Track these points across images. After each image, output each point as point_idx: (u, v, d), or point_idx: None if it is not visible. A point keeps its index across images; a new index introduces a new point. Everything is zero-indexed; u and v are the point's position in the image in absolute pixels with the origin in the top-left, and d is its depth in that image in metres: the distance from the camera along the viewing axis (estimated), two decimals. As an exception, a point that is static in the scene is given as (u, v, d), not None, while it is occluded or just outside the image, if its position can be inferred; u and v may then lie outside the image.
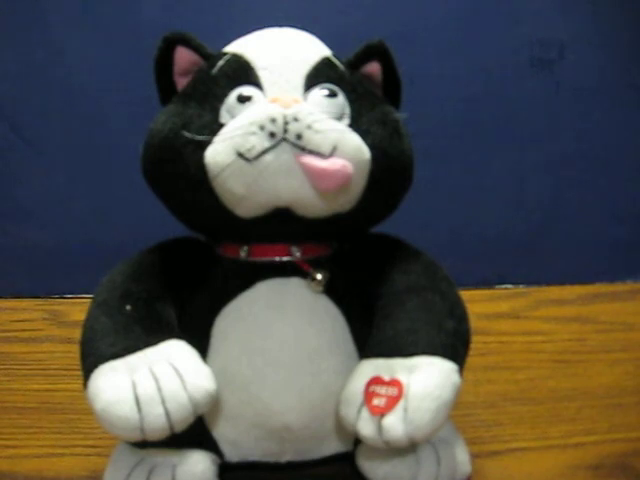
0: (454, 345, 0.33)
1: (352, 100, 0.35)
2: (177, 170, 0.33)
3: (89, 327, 0.34)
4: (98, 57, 0.65)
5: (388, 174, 0.35)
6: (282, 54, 0.36)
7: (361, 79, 0.37)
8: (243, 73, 0.35)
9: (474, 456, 0.39)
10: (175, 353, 0.33)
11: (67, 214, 0.68)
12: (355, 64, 0.37)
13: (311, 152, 0.32)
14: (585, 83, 0.70)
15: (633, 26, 0.70)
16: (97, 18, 0.65)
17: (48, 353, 0.56)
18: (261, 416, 0.35)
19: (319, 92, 0.35)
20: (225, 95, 0.34)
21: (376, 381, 0.32)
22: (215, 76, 0.35)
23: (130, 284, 0.35)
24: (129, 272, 0.36)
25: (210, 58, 0.37)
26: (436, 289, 0.36)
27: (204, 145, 0.32)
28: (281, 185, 0.32)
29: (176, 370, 0.31)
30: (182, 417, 0.31)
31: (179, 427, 0.31)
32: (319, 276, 0.36)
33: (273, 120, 0.31)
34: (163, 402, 0.30)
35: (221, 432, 0.36)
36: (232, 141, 0.32)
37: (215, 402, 0.34)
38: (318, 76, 0.35)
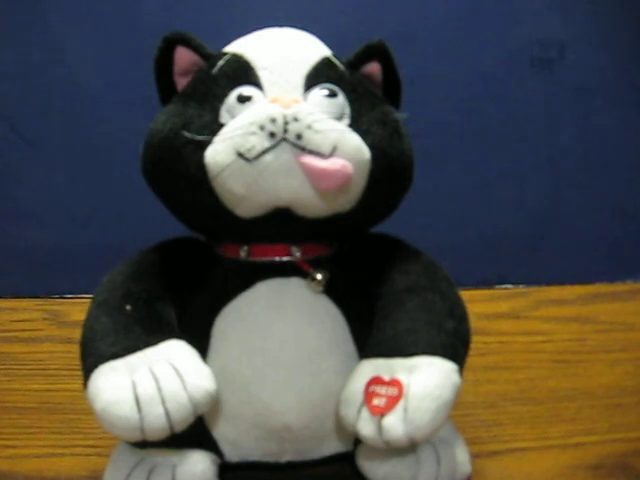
0: (454, 345, 0.33)
1: (352, 100, 0.35)
2: (177, 170, 0.33)
3: (89, 327, 0.34)
4: (98, 57, 0.65)
5: (388, 174, 0.35)
6: (282, 54, 0.36)
7: (361, 79, 0.37)
8: (243, 73, 0.35)
9: (474, 456, 0.39)
10: (175, 353, 0.33)
11: (67, 214, 0.68)
12: (355, 64, 0.37)
13: (311, 152, 0.32)
14: (585, 83, 0.70)
15: (633, 26, 0.70)
16: (97, 18, 0.65)
17: (48, 353, 0.56)
18: (261, 416, 0.35)
19: (319, 92, 0.35)
20: (225, 95, 0.34)
21: (376, 381, 0.32)
22: (215, 76, 0.35)
23: (130, 284, 0.35)
24: (129, 272, 0.36)
25: (210, 58, 0.37)
26: (436, 289, 0.36)
27: (204, 145, 0.32)
28: (281, 185, 0.32)
29: (176, 370, 0.31)
30: (182, 417, 0.31)
31: (179, 427, 0.31)
32: (319, 276, 0.36)
33: (273, 120, 0.31)
34: (163, 402, 0.30)
35: (221, 432, 0.36)
36: (232, 141, 0.32)
37: (215, 402, 0.34)
38: (318, 76, 0.35)
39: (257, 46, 0.37)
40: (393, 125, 0.36)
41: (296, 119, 0.31)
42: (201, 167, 0.32)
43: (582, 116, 0.71)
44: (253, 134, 0.31)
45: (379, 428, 0.31)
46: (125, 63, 0.64)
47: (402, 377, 0.32)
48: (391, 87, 0.39)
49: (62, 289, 0.66)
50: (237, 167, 0.31)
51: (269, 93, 0.34)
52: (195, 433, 0.34)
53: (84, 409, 0.33)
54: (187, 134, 0.33)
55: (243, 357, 0.35)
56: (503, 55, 0.69)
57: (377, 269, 0.38)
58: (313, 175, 0.32)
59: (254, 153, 0.31)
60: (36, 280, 0.67)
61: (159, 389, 0.30)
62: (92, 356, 0.32)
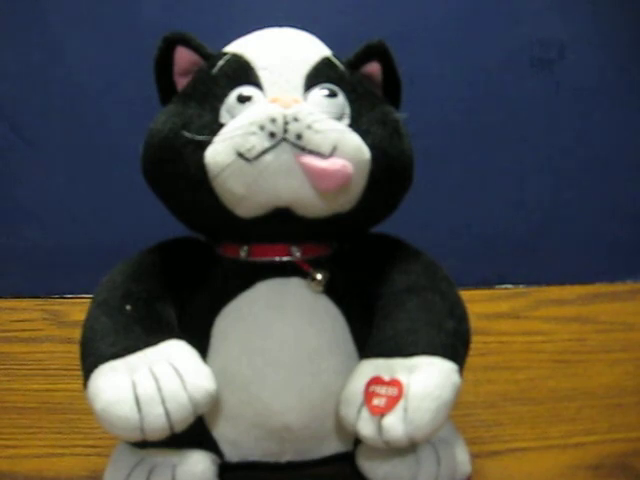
0: (454, 345, 0.33)
1: (352, 100, 0.35)
2: (177, 170, 0.33)
3: (89, 327, 0.34)
4: (98, 57, 0.65)
5: (388, 174, 0.35)
6: (282, 54, 0.36)
7: (361, 79, 0.37)
8: (243, 73, 0.35)
9: (474, 456, 0.39)
10: (175, 353, 0.33)
11: (67, 214, 0.68)
12: (355, 64, 0.37)
13: (311, 152, 0.32)
14: (585, 83, 0.70)
15: (633, 26, 0.70)
16: (97, 18, 0.65)
17: (48, 353, 0.56)
18: (261, 416, 0.35)
19: (319, 92, 0.35)
20: (225, 95, 0.34)
21: (376, 381, 0.32)
22: (215, 76, 0.35)
23: (130, 284, 0.35)
24: (129, 272, 0.36)
25: (210, 58, 0.37)
26: (436, 289, 0.36)
27: (204, 145, 0.32)
28: (281, 185, 0.32)
29: (176, 370, 0.31)
30: (182, 417, 0.31)
31: (179, 427, 0.31)
32: (319, 276, 0.36)
33: (273, 120, 0.31)
34: (163, 402, 0.30)
35: (221, 432, 0.36)
36: (232, 141, 0.32)
37: (215, 402, 0.34)
38: (318, 76, 0.35)
39: (257, 46, 0.37)
40: (393, 125, 0.36)
41: (296, 119, 0.31)
42: (201, 167, 0.32)
43: (582, 116, 0.71)
44: (253, 134, 0.31)
45: (379, 428, 0.31)
46: (125, 63, 0.64)
47: (402, 377, 0.32)
48: (391, 87, 0.39)
49: (62, 289, 0.66)
50: (237, 167, 0.31)
51: (269, 93, 0.34)
52: (195, 433, 0.34)
53: (84, 409, 0.33)
54: (187, 134, 0.33)
55: (243, 357, 0.35)
56: (503, 55, 0.69)
57: (377, 269, 0.38)
58: (313, 175, 0.32)
59: (254, 153, 0.31)
60: (36, 280, 0.67)
61: (159, 389, 0.30)
62: (92, 356, 0.32)
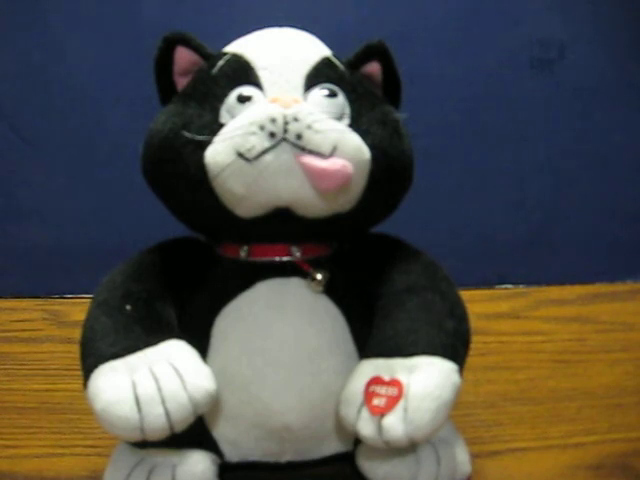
0: (454, 345, 0.33)
1: (352, 100, 0.35)
2: (177, 170, 0.33)
3: (89, 327, 0.34)
4: (98, 57, 0.65)
5: (388, 174, 0.35)
6: (282, 54, 0.36)
7: (361, 79, 0.37)
8: (243, 73, 0.35)
9: (474, 456, 0.39)
10: (175, 353, 0.33)
11: (67, 214, 0.68)
12: (355, 64, 0.37)
13: (311, 152, 0.32)
14: (585, 83, 0.70)
15: (633, 26, 0.70)
16: (97, 18, 0.65)
17: (48, 353, 0.56)
18: (261, 416, 0.35)
19: (319, 92, 0.35)
20: (225, 95, 0.34)
21: (376, 381, 0.32)
22: (215, 76, 0.35)
23: (130, 284, 0.35)
24: (129, 272, 0.36)
25: (210, 58, 0.37)
26: (436, 289, 0.36)
27: (204, 145, 0.32)
28: (281, 185, 0.32)
29: (176, 370, 0.31)
30: (182, 417, 0.31)
31: (179, 427, 0.31)
32: (319, 276, 0.36)
33: (273, 120, 0.31)
34: (163, 402, 0.30)
35: (221, 432, 0.36)
36: (232, 141, 0.32)
37: (215, 402, 0.34)
38: (318, 76, 0.35)
39: (257, 46, 0.36)
40: (393, 125, 0.36)
41: (296, 119, 0.31)
42: (201, 167, 0.32)
43: (582, 116, 0.71)
44: (253, 134, 0.31)
45: (379, 428, 0.31)
46: (125, 63, 0.64)
47: (402, 377, 0.32)
48: (391, 87, 0.39)
49: (62, 289, 0.66)
50: (237, 167, 0.31)
51: (269, 93, 0.34)
52: (195, 433, 0.34)
53: (84, 409, 0.33)
54: (187, 134, 0.33)
55: (243, 357, 0.35)
56: (503, 55, 0.69)
57: (377, 269, 0.38)
58: (313, 175, 0.32)
59: (254, 153, 0.31)
60: (36, 280, 0.67)
61: (159, 389, 0.30)
62: (92, 356, 0.32)
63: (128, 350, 0.32)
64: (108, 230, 0.68)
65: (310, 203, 0.33)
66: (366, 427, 0.32)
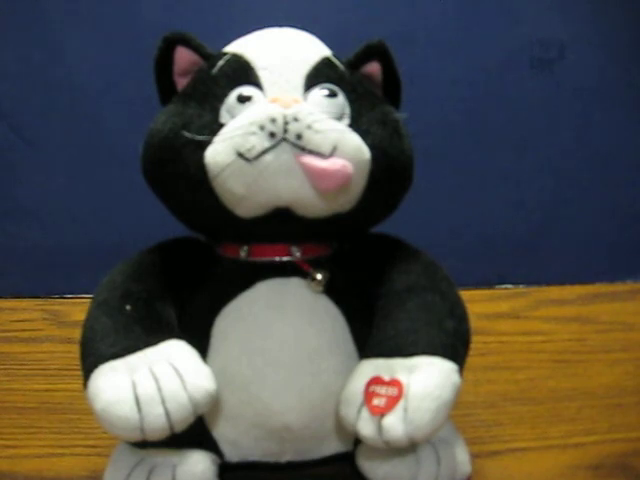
0: (454, 345, 0.33)
1: (352, 100, 0.35)
2: (177, 170, 0.33)
3: (89, 327, 0.34)
4: (98, 57, 0.65)
5: (388, 174, 0.35)
6: (282, 54, 0.36)
7: (361, 79, 0.37)
8: (243, 73, 0.35)
9: (474, 456, 0.39)
10: (175, 353, 0.33)
11: (67, 214, 0.68)
12: (355, 64, 0.37)
13: (311, 152, 0.32)
14: (585, 83, 0.70)
15: (633, 26, 0.70)
16: (97, 18, 0.65)
17: (48, 353, 0.56)
18: (261, 416, 0.35)
19: (319, 92, 0.35)
20: (225, 95, 0.34)
21: (376, 381, 0.32)
22: (215, 76, 0.35)
23: (130, 284, 0.35)
24: (129, 272, 0.36)
25: (210, 58, 0.37)
26: (436, 289, 0.36)
27: (204, 145, 0.32)
28: (281, 185, 0.32)
29: (176, 370, 0.31)
30: (182, 417, 0.31)
31: (179, 427, 0.31)
32: (319, 276, 0.36)
33: (273, 120, 0.31)
34: (163, 402, 0.30)
35: (221, 432, 0.36)
36: (232, 141, 0.32)
37: (215, 402, 0.34)
38: (318, 76, 0.35)
39: (257, 46, 0.37)
40: (393, 125, 0.36)
41: (296, 119, 0.31)
42: (201, 167, 0.32)
43: (582, 116, 0.71)
44: (253, 134, 0.31)
45: (379, 428, 0.31)
46: (125, 63, 0.64)
47: (402, 377, 0.32)
48: (391, 87, 0.39)
49: (62, 289, 0.66)
50: (237, 167, 0.31)
51: (269, 93, 0.34)
52: (195, 433, 0.34)
53: (84, 409, 0.33)
54: (187, 134, 0.33)
55: (243, 357, 0.35)
56: (503, 55, 0.69)
57: (377, 269, 0.38)
58: (313, 175, 0.32)
59: (254, 153, 0.31)
60: (36, 280, 0.67)
61: (159, 389, 0.30)
62: (92, 356, 0.32)
63: (128, 350, 0.32)
64: (108, 230, 0.68)
65: (310, 203, 0.33)
66: (366, 427, 0.32)
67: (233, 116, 0.34)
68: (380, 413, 0.31)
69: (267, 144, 0.31)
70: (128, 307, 0.34)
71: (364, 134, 0.34)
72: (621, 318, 0.64)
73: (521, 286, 0.70)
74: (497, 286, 0.70)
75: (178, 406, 0.31)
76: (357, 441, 0.36)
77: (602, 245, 0.73)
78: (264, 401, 0.34)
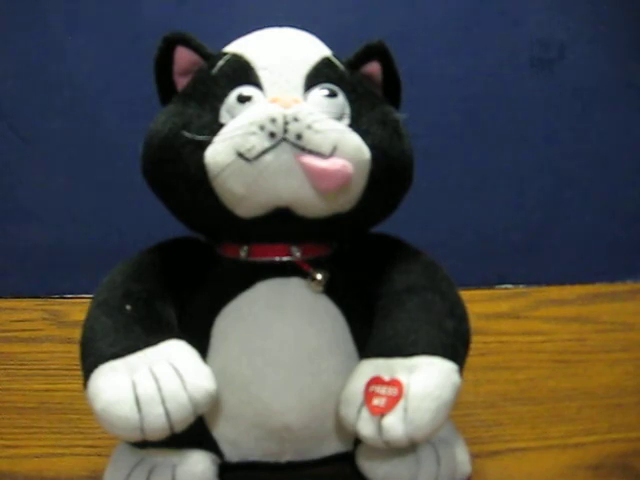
0: (454, 345, 0.33)
1: (352, 100, 0.35)
2: (177, 170, 0.33)
3: (89, 327, 0.34)
4: (98, 57, 0.65)
5: (388, 174, 0.35)
6: (282, 54, 0.36)
7: (361, 79, 0.37)
8: (243, 73, 0.35)
9: (474, 456, 0.39)
10: (175, 353, 0.33)
11: (67, 214, 0.68)
12: (355, 64, 0.37)
13: (311, 152, 0.32)
14: (585, 83, 0.70)
15: (633, 26, 0.70)
16: (97, 18, 0.65)
17: (48, 353, 0.56)
18: (261, 416, 0.35)
19: (319, 92, 0.35)
20: (225, 95, 0.34)
21: (376, 381, 0.32)
22: (215, 76, 0.35)
23: (130, 284, 0.35)
24: (129, 272, 0.36)
25: (210, 58, 0.37)
26: (436, 289, 0.36)
27: (204, 145, 0.32)
28: (281, 185, 0.32)
29: (176, 370, 0.31)
30: (182, 417, 0.31)
31: (179, 427, 0.31)
32: (319, 276, 0.36)
33: (273, 120, 0.31)
34: (163, 402, 0.30)
35: (221, 432, 0.36)
36: (232, 141, 0.32)
37: (215, 402, 0.34)
38: (318, 76, 0.35)
39: (257, 46, 0.36)
40: (393, 125, 0.36)
41: (296, 119, 0.31)
42: (201, 167, 0.32)
43: (582, 116, 0.71)
44: (253, 134, 0.31)
45: (379, 428, 0.31)
46: (125, 63, 0.64)
47: (402, 377, 0.32)
48: (391, 87, 0.39)
49: (62, 289, 0.66)
50: (237, 167, 0.31)
51: (269, 93, 0.34)
52: (195, 433, 0.34)
53: (84, 409, 0.33)
54: (187, 134, 0.33)
55: (243, 357, 0.35)
56: (503, 55, 0.69)
57: (377, 269, 0.38)
58: (313, 175, 0.32)
59: (254, 153, 0.31)
60: (36, 280, 0.67)
61: (159, 389, 0.30)
62: (92, 356, 0.32)
63: (128, 350, 0.32)
64: (108, 230, 0.68)
65: (310, 203, 0.33)
66: (366, 427, 0.32)
67: (233, 116, 0.33)
68: (380, 413, 0.31)
69: (267, 144, 0.31)
70: (128, 307, 0.34)
71: (364, 134, 0.34)
72: (621, 318, 0.64)
73: (521, 286, 0.70)
74: (497, 286, 0.70)
75: (178, 406, 0.31)
76: (357, 441, 0.36)
77: (602, 245, 0.73)
78: (264, 401, 0.34)
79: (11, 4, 0.64)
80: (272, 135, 0.31)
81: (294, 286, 0.36)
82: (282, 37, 0.37)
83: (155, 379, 0.31)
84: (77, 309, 0.57)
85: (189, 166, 0.33)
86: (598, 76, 0.70)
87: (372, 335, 0.35)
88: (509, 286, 0.70)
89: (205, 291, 0.38)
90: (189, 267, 0.38)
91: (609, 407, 0.49)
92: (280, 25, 0.38)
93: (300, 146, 0.31)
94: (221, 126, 0.33)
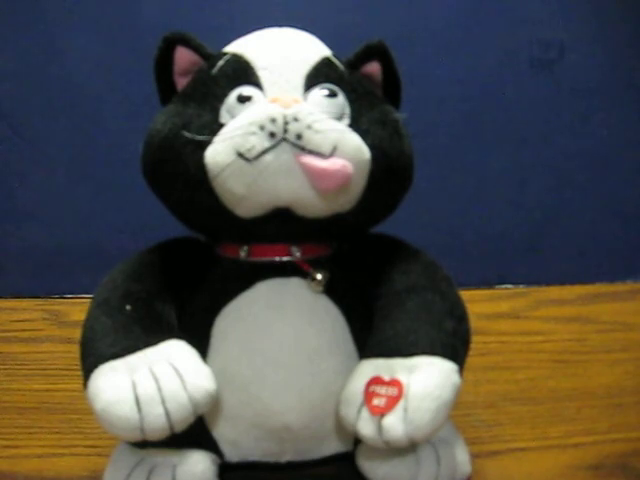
0: (454, 345, 0.33)
1: (352, 100, 0.35)
2: (177, 170, 0.33)
3: (89, 327, 0.34)
4: (98, 57, 0.65)
5: (388, 174, 0.35)
6: (282, 54, 0.36)
7: (361, 79, 0.37)
8: (243, 73, 0.35)
9: (474, 456, 0.39)
10: (175, 353, 0.33)
11: (67, 214, 0.68)
12: (355, 64, 0.37)
13: (311, 152, 0.32)
14: (585, 83, 0.70)
15: (633, 26, 0.70)
16: (97, 18, 0.65)
17: (48, 353, 0.56)
18: (261, 416, 0.35)
19: (319, 92, 0.35)
20: (225, 95, 0.34)
21: (376, 381, 0.32)
22: (215, 76, 0.35)
23: (130, 284, 0.35)
24: (129, 272, 0.36)
25: (210, 58, 0.37)
26: (436, 289, 0.36)
27: (204, 145, 0.32)
28: (281, 185, 0.32)
29: (176, 370, 0.31)
30: (182, 417, 0.31)
31: (179, 427, 0.31)
32: (319, 276, 0.36)
33: (273, 120, 0.31)
34: (163, 402, 0.30)
35: (221, 432, 0.36)
36: (232, 141, 0.32)
37: (215, 402, 0.34)
38: (318, 76, 0.35)
39: (257, 46, 0.37)
40: (393, 125, 0.36)
41: (296, 119, 0.31)
42: (201, 167, 0.32)
43: (582, 116, 0.71)
44: (253, 134, 0.31)
45: (379, 428, 0.31)
46: (125, 63, 0.64)
47: (402, 377, 0.32)
48: (391, 87, 0.39)
49: (62, 289, 0.66)
50: (237, 167, 0.31)
51: (269, 93, 0.34)
52: (195, 433, 0.34)
53: (84, 409, 0.33)
54: (187, 134, 0.33)
55: (243, 357, 0.35)
56: (503, 55, 0.69)
57: (377, 269, 0.38)
58: (313, 175, 0.32)
59: (254, 153, 0.31)
60: (36, 280, 0.67)
61: (159, 389, 0.30)
62: (92, 356, 0.32)
63: (128, 350, 0.32)
64: (108, 230, 0.68)
65: (310, 203, 0.33)
66: (366, 427, 0.32)
67: (233, 116, 0.34)
68: (380, 413, 0.31)
69: (267, 144, 0.31)
70: (128, 307, 0.34)
71: (364, 134, 0.34)
72: (621, 318, 0.64)
73: (521, 286, 0.70)
74: (497, 286, 0.70)
75: (178, 406, 0.31)
76: (357, 441, 0.36)
77: (602, 245, 0.73)
78: (264, 401, 0.34)
79: (11, 4, 0.64)
80: (272, 135, 0.31)
81: (294, 286, 0.36)
82: (282, 37, 0.37)
83: (155, 379, 0.31)
84: (77, 309, 0.57)
85: (189, 166, 0.33)
86: (598, 76, 0.70)
87: (372, 335, 0.35)
88: (509, 286, 0.70)
89: (205, 291, 0.37)
90: (189, 267, 0.38)
91: (609, 407, 0.49)
92: (280, 25, 0.38)
93: (300, 146, 0.31)
94: (221, 126, 0.33)
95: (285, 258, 0.36)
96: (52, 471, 0.41)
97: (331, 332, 0.36)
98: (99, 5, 0.65)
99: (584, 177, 0.72)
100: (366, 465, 0.36)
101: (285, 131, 0.31)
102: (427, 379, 0.31)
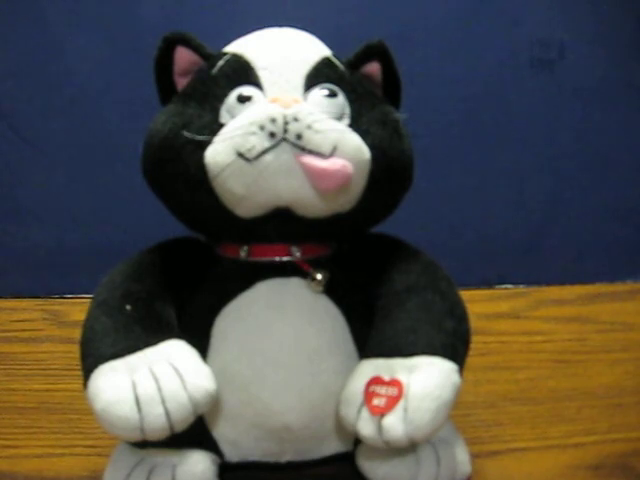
0: (454, 345, 0.33)
1: (352, 100, 0.35)
2: (177, 170, 0.33)
3: (89, 327, 0.34)
4: (98, 57, 0.65)
5: (388, 174, 0.35)
6: (282, 54, 0.36)
7: (361, 79, 0.37)
8: (243, 73, 0.35)
9: (474, 456, 0.39)
10: (175, 353, 0.33)
11: (67, 214, 0.68)
12: (355, 64, 0.37)
13: (311, 152, 0.32)
14: (585, 83, 0.70)
15: (633, 26, 0.70)
16: (97, 18, 0.65)
17: (48, 353, 0.56)
18: (261, 416, 0.35)
19: (319, 92, 0.35)
20: (225, 95, 0.34)
21: (376, 381, 0.32)
22: (215, 76, 0.35)
23: (130, 284, 0.35)
24: (129, 272, 0.36)
25: (210, 58, 0.37)
26: (436, 289, 0.36)
27: (204, 145, 0.32)
28: (281, 185, 0.32)
29: (176, 370, 0.31)
30: (182, 417, 0.31)
31: (179, 427, 0.31)
32: (319, 276, 0.36)
33: (273, 120, 0.31)
34: (163, 402, 0.30)
35: (221, 432, 0.36)
36: (232, 141, 0.32)
37: (215, 402, 0.34)
38: (318, 76, 0.35)
39: (257, 46, 0.37)
40: (393, 125, 0.36)
41: (296, 119, 0.31)
42: (201, 167, 0.32)
43: (582, 116, 0.71)
44: (253, 134, 0.31)
45: (379, 428, 0.31)
46: (125, 63, 0.64)
47: (402, 377, 0.32)
48: (391, 87, 0.39)
49: (62, 289, 0.66)
50: (237, 167, 0.32)
51: (269, 93, 0.34)
52: (195, 433, 0.34)
53: (84, 409, 0.33)
54: (187, 134, 0.33)
55: (243, 357, 0.35)
56: (503, 55, 0.69)
57: (377, 269, 0.38)
58: (313, 175, 0.32)
59: (254, 153, 0.31)
60: (36, 280, 0.67)
61: (159, 389, 0.30)
62: (92, 356, 0.32)
63: (128, 350, 0.32)
64: (108, 230, 0.68)
65: (310, 203, 0.33)
66: (366, 427, 0.32)
67: (233, 116, 0.34)
68: (380, 413, 0.31)
69: (267, 144, 0.31)
70: (128, 307, 0.34)
71: (364, 134, 0.34)
72: (621, 318, 0.64)
73: (521, 286, 0.70)
74: (497, 286, 0.70)
75: (178, 406, 0.31)
76: (357, 441, 0.36)
77: (602, 245, 0.73)
78: (264, 401, 0.34)
79: (11, 4, 0.64)
80: (272, 135, 0.31)
81: (294, 286, 0.36)
82: (282, 37, 0.37)
83: (155, 379, 0.31)
84: (77, 309, 0.57)
85: (189, 166, 0.33)
86: (598, 76, 0.70)
87: (372, 335, 0.35)
88: (509, 286, 0.70)
89: (205, 291, 0.37)
90: (189, 267, 0.38)
91: (609, 407, 0.49)
92: (280, 25, 0.38)
93: (300, 146, 0.31)
94: (221, 126, 0.33)
95: (285, 258, 0.36)
96: (52, 471, 0.41)
97: (331, 332, 0.36)
98: (99, 5, 0.65)
99: (584, 177, 0.72)
100: (366, 465, 0.36)
101: (285, 131, 0.31)
102: (427, 379, 0.31)
